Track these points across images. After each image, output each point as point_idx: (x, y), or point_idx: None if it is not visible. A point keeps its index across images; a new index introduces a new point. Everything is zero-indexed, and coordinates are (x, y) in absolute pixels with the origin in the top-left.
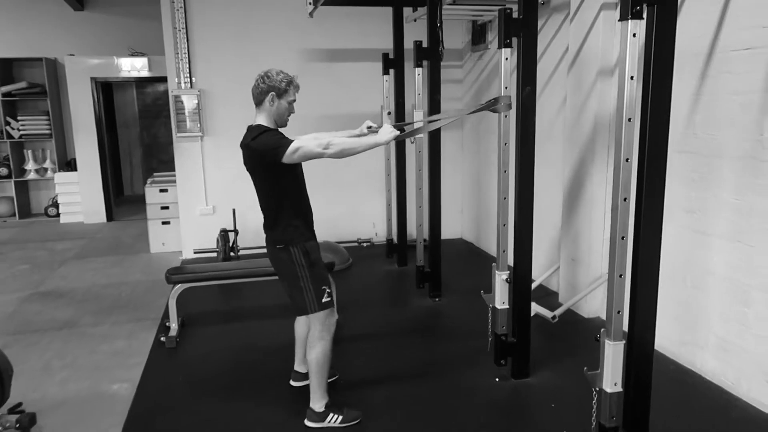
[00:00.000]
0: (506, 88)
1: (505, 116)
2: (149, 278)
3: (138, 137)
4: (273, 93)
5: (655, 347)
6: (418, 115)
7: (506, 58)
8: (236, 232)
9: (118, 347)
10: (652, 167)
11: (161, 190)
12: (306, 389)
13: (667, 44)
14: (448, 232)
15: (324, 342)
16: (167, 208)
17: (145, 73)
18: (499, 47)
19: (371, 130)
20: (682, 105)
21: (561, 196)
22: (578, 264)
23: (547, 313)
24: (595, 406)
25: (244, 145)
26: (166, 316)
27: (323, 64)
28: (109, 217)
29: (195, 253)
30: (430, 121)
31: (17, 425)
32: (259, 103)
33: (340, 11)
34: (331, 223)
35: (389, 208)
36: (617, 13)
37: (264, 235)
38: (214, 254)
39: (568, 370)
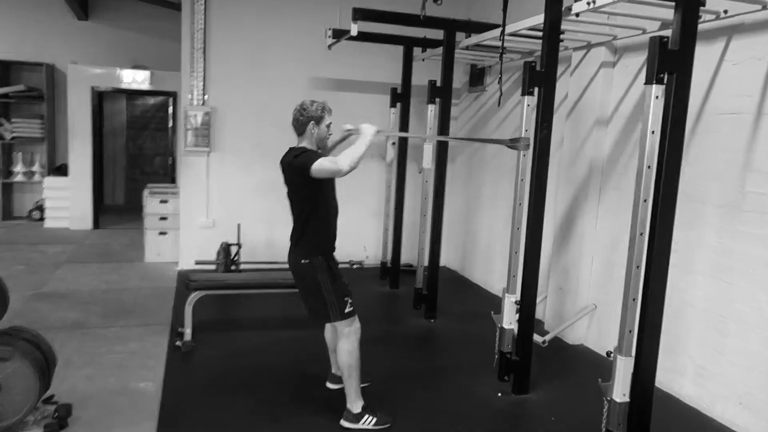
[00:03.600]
0: (526, 130)
1: (524, 155)
2: (149, 285)
3: (123, 147)
4: (312, 122)
5: None
6: (427, 148)
7: (528, 105)
8: (239, 246)
9: (132, 348)
10: (665, 207)
11: (162, 201)
12: (336, 392)
13: (683, 105)
14: None
15: (351, 347)
16: (166, 218)
17: (146, 86)
18: (523, 95)
19: (350, 132)
20: None
21: (551, 230)
22: (566, 293)
23: (537, 338)
24: (605, 415)
25: (287, 163)
26: (175, 321)
27: (331, 93)
28: (96, 224)
29: (196, 264)
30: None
31: (55, 414)
32: (301, 132)
33: (350, 45)
34: None
35: (386, 232)
36: (614, 71)
37: (287, 248)
38: (214, 266)
39: (561, 388)
